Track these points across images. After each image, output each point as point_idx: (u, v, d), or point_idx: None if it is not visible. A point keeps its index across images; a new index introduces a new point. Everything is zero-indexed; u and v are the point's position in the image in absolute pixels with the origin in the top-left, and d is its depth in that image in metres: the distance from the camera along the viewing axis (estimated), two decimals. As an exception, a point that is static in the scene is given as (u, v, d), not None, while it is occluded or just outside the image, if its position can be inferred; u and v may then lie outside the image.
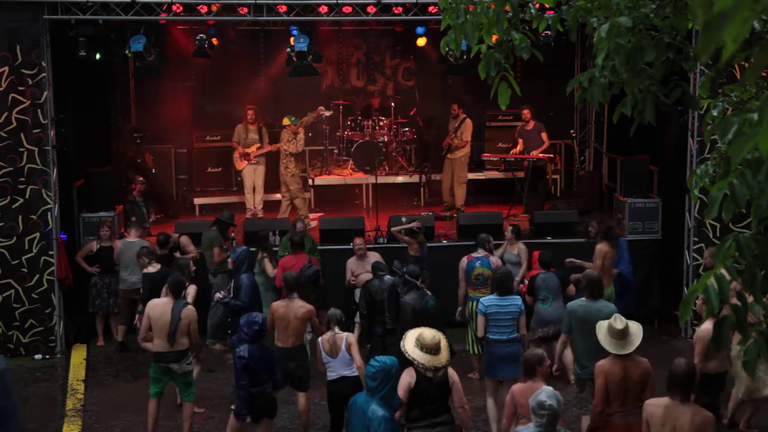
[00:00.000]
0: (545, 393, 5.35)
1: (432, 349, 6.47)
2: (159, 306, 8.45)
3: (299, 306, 8.54)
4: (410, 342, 6.54)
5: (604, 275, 9.59)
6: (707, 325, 7.34)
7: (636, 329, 6.81)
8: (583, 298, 7.97)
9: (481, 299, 8.67)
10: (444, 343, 6.56)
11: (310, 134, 14.86)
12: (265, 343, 7.81)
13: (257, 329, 7.58)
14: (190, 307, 8.50)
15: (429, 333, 6.56)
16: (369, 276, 9.79)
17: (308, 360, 8.74)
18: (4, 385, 7.10)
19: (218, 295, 9.89)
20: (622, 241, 11.09)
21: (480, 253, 9.89)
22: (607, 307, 7.74)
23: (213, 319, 11.20)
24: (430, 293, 8.82)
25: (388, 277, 9.37)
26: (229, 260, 10.12)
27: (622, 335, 6.70)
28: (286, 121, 13.73)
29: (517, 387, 6.59)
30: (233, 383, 7.91)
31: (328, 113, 14.31)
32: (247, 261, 9.82)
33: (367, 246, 11.08)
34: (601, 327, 6.88)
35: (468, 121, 14.21)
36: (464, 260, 9.97)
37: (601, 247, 9.98)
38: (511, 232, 10.82)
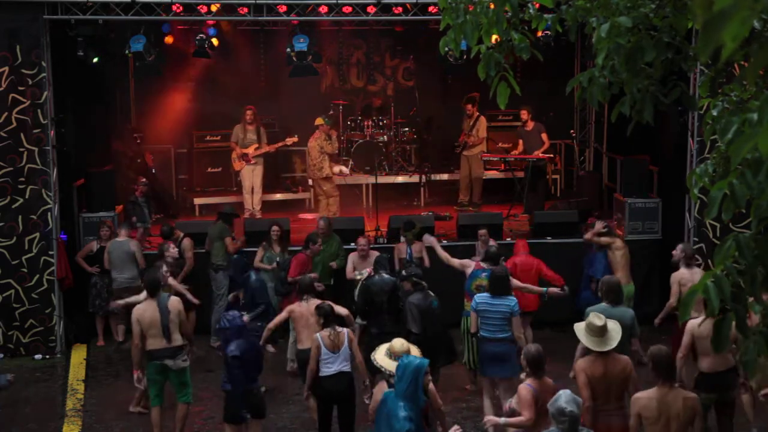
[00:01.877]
0: (564, 398, 5.34)
1: (400, 357, 6.50)
2: (145, 309, 8.40)
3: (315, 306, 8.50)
4: (381, 353, 6.67)
5: (622, 271, 10.44)
6: (695, 321, 7.29)
7: (614, 327, 6.80)
8: (604, 303, 7.88)
9: (474, 296, 8.67)
10: (415, 352, 6.60)
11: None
12: (251, 339, 7.84)
13: (238, 326, 7.71)
14: (174, 298, 8.53)
15: (398, 342, 6.69)
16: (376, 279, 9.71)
17: None
18: None
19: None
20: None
21: (488, 266, 9.41)
22: (627, 312, 7.72)
23: (216, 317, 11.25)
24: (433, 294, 8.84)
25: (388, 277, 9.37)
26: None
27: (601, 332, 6.70)
28: (319, 121, 13.71)
29: (536, 386, 6.44)
30: (223, 384, 7.91)
31: (346, 173, 14.44)
32: (240, 269, 10.30)
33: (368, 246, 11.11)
34: (579, 327, 6.88)
35: (482, 118, 14.44)
36: (472, 263, 9.62)
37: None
38: (488, 234, 10.96)
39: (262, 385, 8.88)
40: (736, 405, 7.87)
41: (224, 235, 11.35)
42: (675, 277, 9.27)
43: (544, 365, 6.57)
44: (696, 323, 7.28)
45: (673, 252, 9.61)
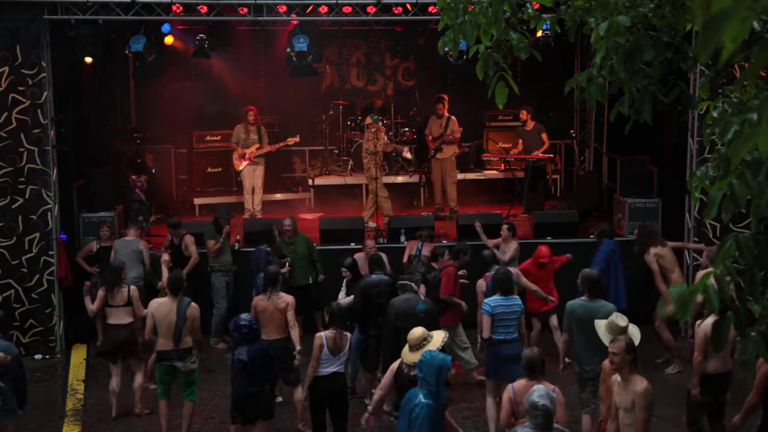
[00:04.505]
0: (537, 393, 5.36)
1: (413, 346, 6.63)
2: (163, 305, 8.50)
3: (280, 299, 8.71)
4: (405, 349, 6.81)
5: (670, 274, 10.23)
6: (709, 320, 7.34)
7: (634, 330, 6.85)
8: (583, 297, 7.96)
9: (485, 300, 8.57)
10: (432, 344, 6.61)
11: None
12: (262, 343, 7.82)
13: (246, 331, 7.62)
14: (194, 305, 8.58)
15: (419, 330, 6.74)
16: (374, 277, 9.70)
17: (292, 352, 8.78)
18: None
19: None
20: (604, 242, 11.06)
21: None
22: (606, 306, 7.75)
23: (216, 318, 11.26)
24: (423, 297, 8.69)
25: (386, 277, 9.38)
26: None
27: (622, 333, 6.73)
28: (368, 120, 13.74)
29: (519, 386, 6.55)
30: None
31: (408, 156, 14.20)
32: (263, 261, 10.14)
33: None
34: (601, 325, 6.92)
35: (453, 118, 14.25)
36: (482, 283, 9.41)
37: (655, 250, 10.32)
38: (507, 230, 10.86)
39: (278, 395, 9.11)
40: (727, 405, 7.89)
41: (206, 239, 11.34)
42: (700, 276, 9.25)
43: (541, 369, 6.58)
44: (710, 324, 7.30)
45: (703, 256, 9.70)
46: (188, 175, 15.67)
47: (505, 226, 10.99)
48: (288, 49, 12.41)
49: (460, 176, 14.60)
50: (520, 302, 8.54)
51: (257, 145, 13.98)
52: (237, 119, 14.23)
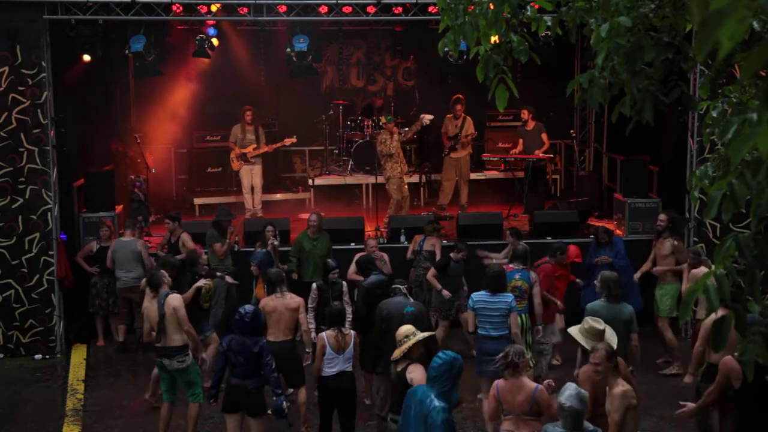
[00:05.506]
0: (565, 394, 5.42)
1: (399, 341, 6.72)
2: (149, 306, 8.51)
3: (290, 299, 8.61)
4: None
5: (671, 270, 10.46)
6: (713, 316, 7.32)
7: (611, 335, 6.86)
8: (603, 299, 7.99)
9: (471, 294, 8.68)
10: (412, 341, 6.66)
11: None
12: (250, 339, 7.61)
13: (237, 318, 7.59)
14: (172, 296, 8.43)
15: (405, 327, 6.85)
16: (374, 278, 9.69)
17: (298, 354, 8.80)
18: None
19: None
20: (617, 239, 11.18)
21: (518, 265, 9.39)
22: (627, 308, 7.84)
23: (214, 319, 11.24)
24: (411, 300, 8.59)
25: (384, 277, 9.38)
26: (252, 267, 10.37)
27: (600, 336, 6.74)
28: (383, 120, 13.69)
29: (501, 384, 6.52)
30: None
31: (429, 117, 13.85)
32: (264, 261, 10.12)
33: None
34: (575, 330, 6.95)
35: (469, 118, 14.34)
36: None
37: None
38: (510, 234, 10.89)
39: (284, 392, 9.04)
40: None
41: (212, 242, 11.33)
42: (692, 276, 9.38)
43: (520, 366, 6.55)
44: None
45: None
46: (188, 175, 15.68)
47: (507, 231, 11.02)
48: (288, 49, 12.40)
49: (461, 176, 14.64)
50: (508, 300, 8.47)
51: (254, 145, 13.98)
52: (237, 119, 14.23)
